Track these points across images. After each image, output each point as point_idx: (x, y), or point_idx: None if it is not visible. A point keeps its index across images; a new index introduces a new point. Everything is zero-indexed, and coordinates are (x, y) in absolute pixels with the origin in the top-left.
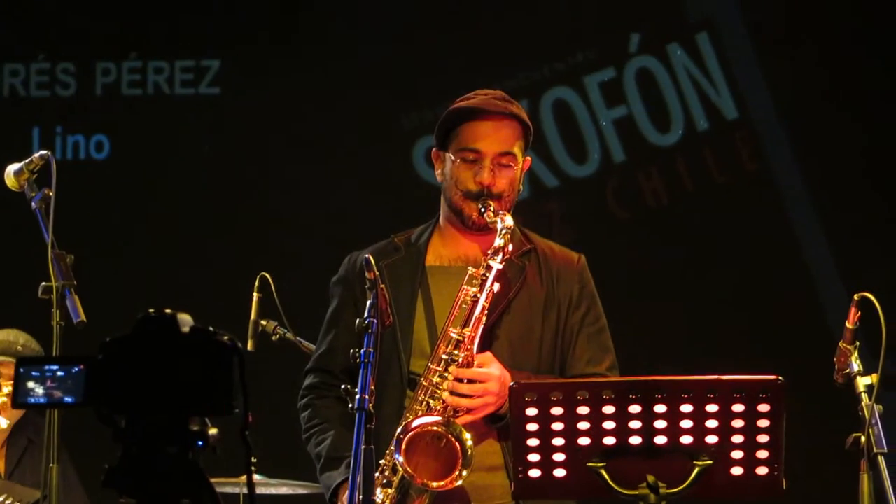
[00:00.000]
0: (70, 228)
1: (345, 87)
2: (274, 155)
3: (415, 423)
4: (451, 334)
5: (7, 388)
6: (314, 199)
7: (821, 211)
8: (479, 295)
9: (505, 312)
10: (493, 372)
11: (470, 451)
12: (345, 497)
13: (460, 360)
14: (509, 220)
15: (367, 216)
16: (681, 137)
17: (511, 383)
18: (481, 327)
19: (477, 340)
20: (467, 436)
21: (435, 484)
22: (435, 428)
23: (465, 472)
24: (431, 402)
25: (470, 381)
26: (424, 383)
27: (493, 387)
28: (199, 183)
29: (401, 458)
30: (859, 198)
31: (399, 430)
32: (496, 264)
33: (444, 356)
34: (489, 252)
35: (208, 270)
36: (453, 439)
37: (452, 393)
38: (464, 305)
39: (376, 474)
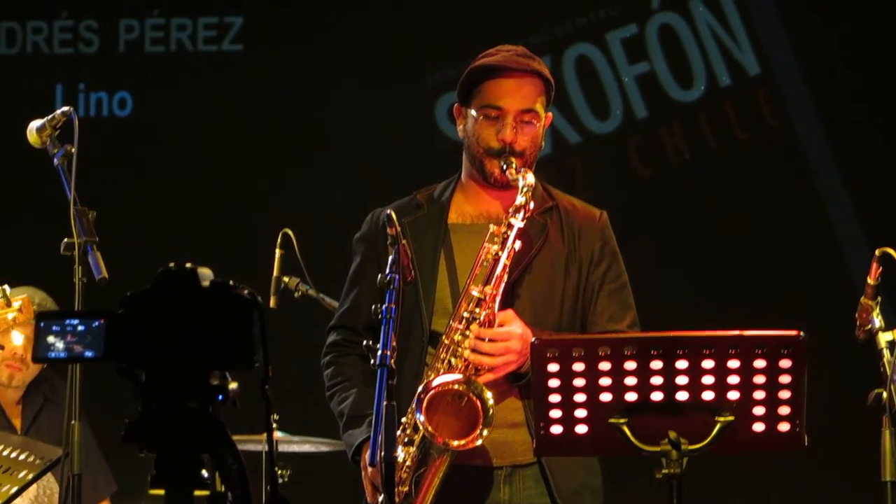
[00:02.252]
0: (92, 185)
1: (367, 44)
2: (296, 112)
3: (435, 382)
4: (473, 292)
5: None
6: (336, 155)
7: (843, 166)
8: (500, 253)
9: (527, 270)
10: (514, 330)
11: (491, 410)
12: (367, 454)
13: (482, 318)
14: (531, 178)
15: (389, 173)
16: (703, 93)
17: (532, 339)
18: (503, 285)
19: (498, 298)
20: (488, 394)
21: (455, 443)
22: (456, 386)
23: (486, 431)
24: (453, 360)
25: (491, 340)
26: (446, 341)
27: (515, 345)
28: (220, 141)
29: (422, 417)
30: (882, 153)
31: (420, 388)
32: (517, 222)
33: (465, 314)
34: (510, 210)
35: (230, 227)
36: (474, 398)
37: (474, 351)
38: (485, 263)
39: (398, 432)
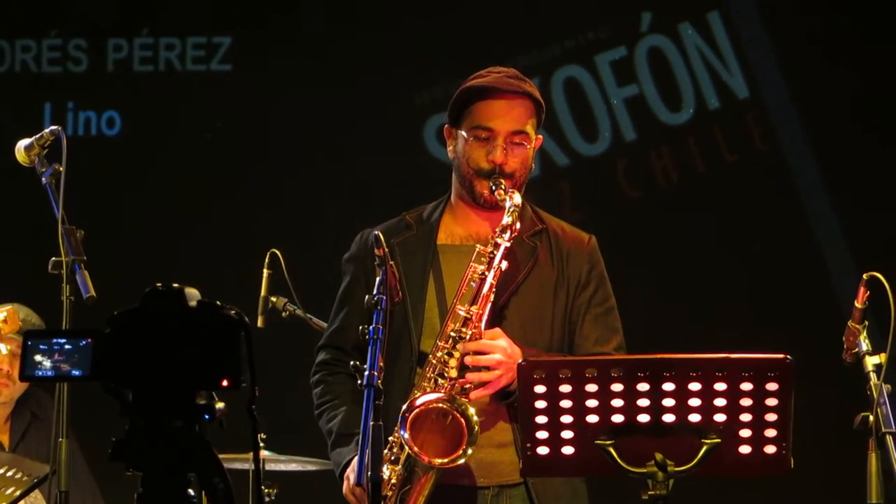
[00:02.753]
0: (80, 204)
1: (356, 64)
2: (284, 132)
3: (419, 401)
4: (459, 312)
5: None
6: (324, 175)
7: (831, 190)
8: (486, 273)
9: (516, 293)
10: (500, 344)
11: (476, 428)
12: (351, 473)
13: (468, 337)
14: (518, 198)
15: (377, 193)
16: (692, 116)
17: (520, 360)
18: (489, 305)
19: (485, 318)
20: (472, 412)
21: (439, 461)
22: (440, 405)
23: (470, 450)
24: (440, 379)
25: (478, 354)
26: (433, 360)
27: (501, 357)
28: (209, 160)
29: (406, 435)
30: (870, 178)
31: (404, 407)
32: (504, 242)
33: (452, 333)
34: (497, 230)
35: (218, 247)
36: (458, 415)
37: (460, 368)
38: (472, 283)
39: (385, 451)
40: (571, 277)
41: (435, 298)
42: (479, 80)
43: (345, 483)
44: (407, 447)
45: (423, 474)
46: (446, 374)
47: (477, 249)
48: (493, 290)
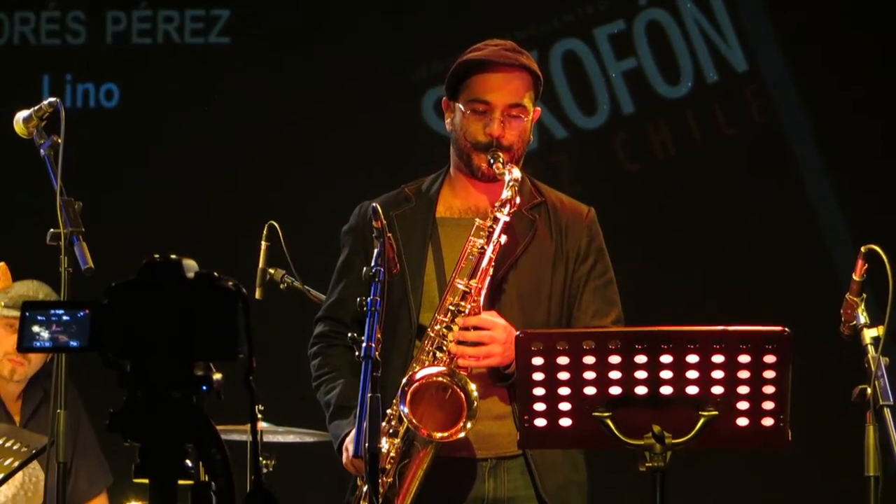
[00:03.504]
0: (79, 176)
1: (354, 38)
2: (282, 105)
3: (419, 375)
4: (458, 285)
5: None
6: (323, 148)
7: (829, 163)
8: (485, 247)
9: (514, 266)
10: (499, 320)
11: (475, 402)
12: (350, 444)
13: (467, 311)
14: (517, 173)
15: (376, 166)
16: (690, 90)
17: (517, 332)
18: (488, 279)
19: (484, 292)
20: (472, 386)
21: (439, 435)
22: (439, 378)
23: (469, 424)
24: (438, 353)
25: (476, 328)
26: (431, 334)
27: (500, 334)
28: (207, 132)
29: (405, 409)
30: (867, 150)
31: (404, 381)
32: (503, 216)
33: (450, 307)
34: (496, 204)
35: (216, 219)
36: (458, 389)
37: (459, 343)
38: (471, 257)
39: (383, 423)
40: (570, 250)
41: (434, 271)
42: (476, 53)
43: (344, 454)
44: (406, 421)
45: (421, 448)
46: (445, 348)
47: (476, 223)
48: (492, 264)
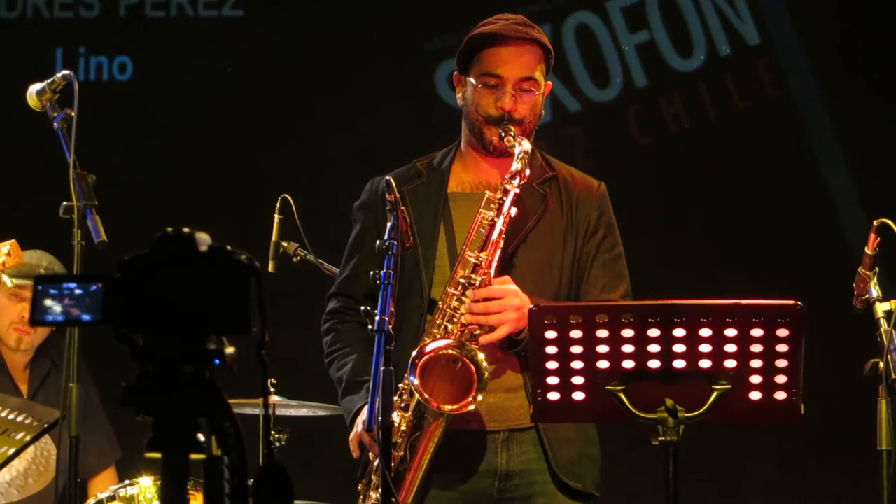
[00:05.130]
0: (92, 149)
1: (367, 10)
2: (296, 78)
3: (429, 347)
4: (469, 258)
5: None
6: (336, 122)
7: (842, 136)
8: (496, 219)
9: (525, 240)
10: (511, 287)
11: (486, 374)
12: (362, 419)
13: (478, 283)
14: (527, 145)
15: (389, 140)
16: (703, 63)
17: (531, 306)
18: (499, 251)
19: (494, 264)
20: (482, 357)
21: (449, 407)
22: (449, 351)
23: (480, 396)
24: (449, 325)
25: (487, 300)
26: (442, 307)
27: (511, 300)
28: (221, 105)
29: (416, 381)
30: (880, 123)
31: (414, 353)
32: (513, 188)
33: (461, 280)
34: (507, 176)
35: (230, 192)
36: (468, 362)
37: (472, 314)
38: (481, 230)
39: (395, 397)
40: (580, 224)
41: (445, 246)
42: (487, 27)
43: (354, 429)
44: (417, 394)
45: (433, 420)
46: (456, 320)
47: (486, 195)
48: (503, 236)
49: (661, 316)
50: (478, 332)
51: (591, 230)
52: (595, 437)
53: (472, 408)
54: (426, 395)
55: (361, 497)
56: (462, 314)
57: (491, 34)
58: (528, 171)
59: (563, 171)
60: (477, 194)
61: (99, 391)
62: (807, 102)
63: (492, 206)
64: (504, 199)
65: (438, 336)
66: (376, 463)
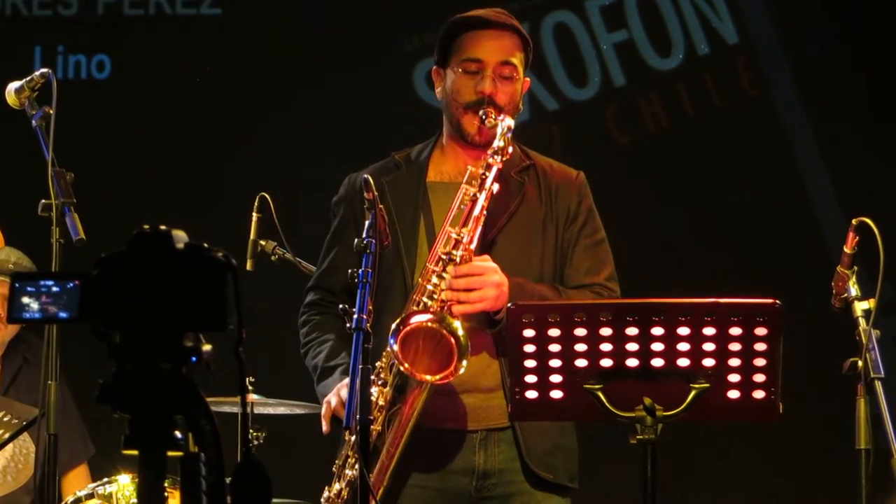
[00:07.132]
0: (70, 147)
1: (346, 8)
2: (273, 76)
3: (412, 320)
4: (451, 233)
5: None
6: (314, 121)
7: (820, 135)
8: (478, 194)
9: (504, 228)
10: (489, 264)
11: (465, 340)
12: (332, 397)
13: (458, 259)
14: (510, 121)
15: (367, 139)
16: (681, 62)
17: (509, 304)
18: (480, 227)
19: (476, 238)
20: (457, 324)
21: (430, 377)
22: (429, 324)
23: (463, 363)
24: (429, 302)
25: (468, 276)
26: (423, 283)
27: (491, 277)
28: (199, 104)
29: (396, 347)
30: (858, 123)
31: (396, 322)
32: (496, 164)
33: (442, 255)
34: (489, 151)
35: (207, 190)
36: (447, 334)
37: (452, 290)
38: (462, 206)
39: (372, 376)
40: (560, 212)
41: (425, 236)
42: (466, 14)
43: (324, 406)
44: (398, 362)
45: (417, 387)
46: (437, 297)
47: (469, 170)
48: (485, 212)
49: (640, 314)
50: (455, 305)
51: (572, 217)
52: (571, 429)
53: (461, 372)
54: (407, 365)
55: (336, 477)
56: (442, 290)
57: (471, 17)
58: (510, 149)
59: (542, 161)
60: (456, 184)
61: (70, 388)
62: (785, 101)
63: (474, 181)
64: (486, 174)
65: (418, 312)
66: (352, 440)
